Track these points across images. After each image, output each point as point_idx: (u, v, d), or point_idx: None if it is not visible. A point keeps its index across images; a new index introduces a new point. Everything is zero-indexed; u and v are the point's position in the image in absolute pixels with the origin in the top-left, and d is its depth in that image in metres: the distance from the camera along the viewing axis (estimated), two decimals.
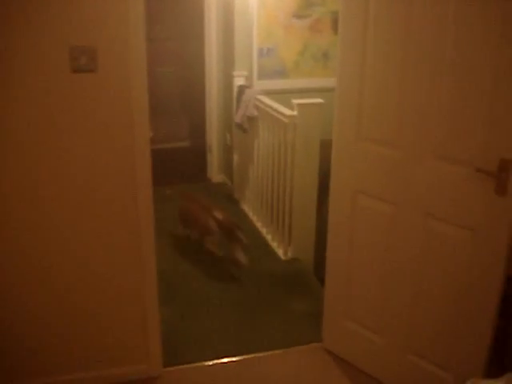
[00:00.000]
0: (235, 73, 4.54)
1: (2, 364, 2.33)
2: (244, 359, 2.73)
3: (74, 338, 2.41)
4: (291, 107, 3.57)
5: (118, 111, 2.15)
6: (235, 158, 4.79)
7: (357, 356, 2.64)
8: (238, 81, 4.52)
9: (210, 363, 2.69)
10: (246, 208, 4.62)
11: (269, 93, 4.22)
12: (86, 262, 2.32)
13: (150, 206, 2.32)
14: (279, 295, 3.32)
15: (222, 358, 2.72)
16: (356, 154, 2.41)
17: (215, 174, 5.39)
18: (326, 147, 2.91)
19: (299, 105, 3.45)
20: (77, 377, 2.43)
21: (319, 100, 3.46)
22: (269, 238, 4.05)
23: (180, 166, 5.86)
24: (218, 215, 3.59)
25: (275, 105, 3.78)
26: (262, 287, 3.41)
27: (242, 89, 4.38)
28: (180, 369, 2.65)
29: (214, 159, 5.38)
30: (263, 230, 4.17)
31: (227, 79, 4.82)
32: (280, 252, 3.83)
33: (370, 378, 2.57)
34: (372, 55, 2.25)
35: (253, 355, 2.76)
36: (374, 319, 2.52)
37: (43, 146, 2.11)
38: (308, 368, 2.71)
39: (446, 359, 2.26)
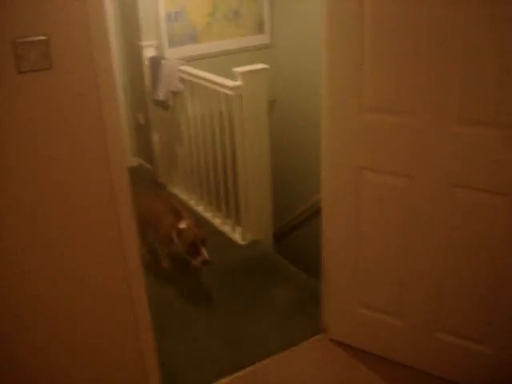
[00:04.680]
0: (144, 43, 3.99)
1: None
2: (248, 372, 2.41)
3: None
4: (227, 75, 3.18)
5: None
6: (155, 138, 4.28)
7: (373, 342, 2.44)
8: (148, 52, 3.99)
9: None
10: (178, 192, 4.18)
11: (186, 60, 3.78)
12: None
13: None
14: (256, 287, 2.99)
15: (224, 377, 2.39)
16: (359, 127, 2.12)
17: (129, 158, 4.84)
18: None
19: (243, 73, 3.05)
20: None
21: (263, 65, 3.10)
22: (217, 222, 3.68)
23: None
24: (183, 224, 2.90)
25: (210, 75, 3.34)
26: (236, 283, 3.05)
27: (156, 61, 3.87)
28: None
29: (125, 142, 4.82)
30: (208, 215, 3.78)
31: (133, 51, 4.23)
32: (237, 237, 3.49)
33: (388, 362, 2.39)
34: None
35: (259, 364, 2.45)
36: (391, 302, 2.31)
37: None
38: (320, 364, 2.46)
39: (482, 333, 2.12)
